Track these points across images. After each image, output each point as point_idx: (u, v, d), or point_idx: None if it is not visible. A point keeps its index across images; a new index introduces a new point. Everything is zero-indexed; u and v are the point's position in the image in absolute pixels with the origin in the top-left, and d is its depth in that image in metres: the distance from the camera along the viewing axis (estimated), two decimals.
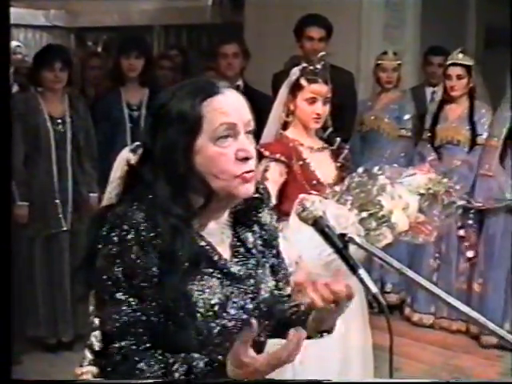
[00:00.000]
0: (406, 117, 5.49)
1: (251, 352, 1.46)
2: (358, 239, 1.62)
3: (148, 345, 1.59)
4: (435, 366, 4.60)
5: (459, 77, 4.97)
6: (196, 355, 1.57)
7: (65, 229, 4.68)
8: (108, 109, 4.95)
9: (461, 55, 5.03)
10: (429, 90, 5.91)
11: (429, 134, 5.16)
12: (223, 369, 1.50)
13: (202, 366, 1.54)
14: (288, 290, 1.88)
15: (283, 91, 3.39)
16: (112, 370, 1.59)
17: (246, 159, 1.64)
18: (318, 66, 3.32)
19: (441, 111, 5.13)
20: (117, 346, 1.57)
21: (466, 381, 4.24)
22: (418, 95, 5.86)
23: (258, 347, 1.74)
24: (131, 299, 1.58)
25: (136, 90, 4.93)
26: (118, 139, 4.71)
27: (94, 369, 1.86)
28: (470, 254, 5.07)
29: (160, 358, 1.57)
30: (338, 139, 3.44)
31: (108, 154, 4.36)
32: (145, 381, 1.57)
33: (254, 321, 1.43)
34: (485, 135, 4.97)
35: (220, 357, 1.56)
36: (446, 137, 5.10)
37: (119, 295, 1.58)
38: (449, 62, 5.03)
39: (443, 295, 1.54)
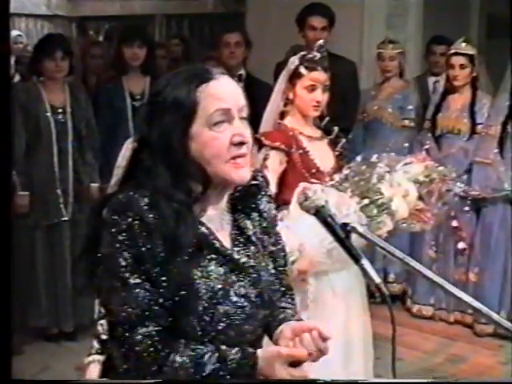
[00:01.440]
0: (410, 107, 5.47)
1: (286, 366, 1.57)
2: (360, 228, 1.61)
3: (168, 330, 1.59)
4: (437, 355, 4.61)
5: (462, 66, 4.96)
6: (227, 348, 1.61)
7: (66, 218, 4.68)
8: (110, 99, 4.93)
9: (464, 44, 5.01)
10: (431, 80, 5.89)
11: (430, 124, 5.15)
12: (255, 364, 1.57)
13: (233, 358, 1.58)
14: (287, 279, 1.88)
15: (282, 80, 3.39)
16: (136, 360, 1.59)
17: (241, 144, 1.64)
18: (317, 54, 3.31)
19: (443, 101, 5.12)
20: (140, 332, 1.57)
21: (466, 381, 4.24)
22: (421, 84, 5.84)
23: (260, 336, 1.75)
24: (144, 283, 1.58)
25: (138, 79, 4.90)
26: (121, 129, 4.70)
27: (101, 357, 1.86)
28: (461, 245, 5.07)
29: (192, 348, 1.59)
30: (336, 128, 3.43)
31: (111, 144, 4.35)
32: (145, 381, 1.57)
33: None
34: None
35: (251, 349, 1.62)
36: (447, 126, 5.09)
37: (132, 280, 1.58)
38: (452, 52, 5.02)
39: (445, 285, 1.54)
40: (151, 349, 1.57)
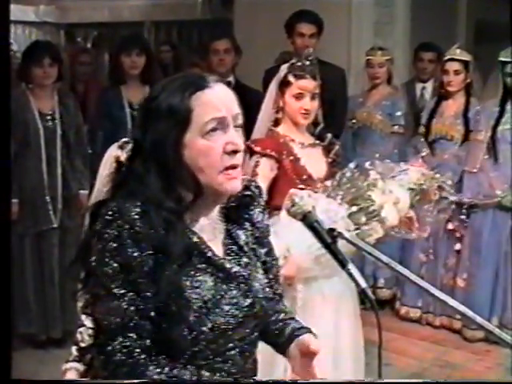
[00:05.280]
0: (398, 113, 5.48)
1: None
2: (346, 234, 1.62)
3: (149, 341, 1.59)
4: (425, 361, 4.62)
5: (456, 72, 5.00)
6: (207, 373, 1.60)
7: (55, 226, 4.67)
8: (109, 108, 4.87)
9: (458, 50, 5.06)
10: (419, 86, 5.93)
11: (423, 130, 5.18)
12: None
13: (212, 380, 1.58)
14: (280, 289, 1.89)
15: (272, 88, 3.40)
16: (114, 369, 1.58)
17: (235, 152, 1.65)
18: (306, 62, 3.33)
19: (438, 107, 5.16)
20: (118, 342, 1.57)
21: (460, 380, 4.26)
22: (409, 91, 5.88)
23: (252, 345, 1.75)
24: (129, 294, 1.58)
25: (137, 88, 4.84)
26: (120, 139, 4.65)
27: (78, 365, 1.86)
28: (457, 246, 5.09)
29: (171, 368, 1.58)
30: (329, 135, 3.45)
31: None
32: (144, 380, 1.57)
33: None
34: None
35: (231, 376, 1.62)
36: (441, 131, 5.12)
37: (116, 290, 1.58)
38: (446, 57, 5.06)
39: (431, 289, 1.55)
40: (130, 360, 1.57)
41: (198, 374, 1.60)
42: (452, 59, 5.01)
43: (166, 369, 1.58)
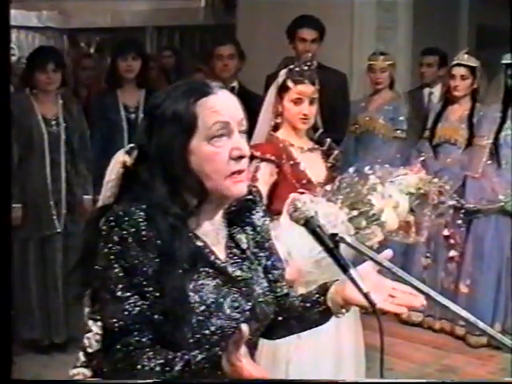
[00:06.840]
0: (401, 118, 5.49)
1: (241, 355, 1.45)
2: (348, 239, 1.63)
3: (149, 342, 1.59)
4: (427, 365, 4.62)
5: (463, 77, 5.01)
6: (195, 352, 1.58)
7: (58, 231, 4.67)
8: (105, 111, 4.91)
9: (466, 56, 5.07)
10: (426, 91, 5.95)
11: (428, 134, 5.19)
12: (220, 363, 1.50)
13: (199, 360, 1.54)
14: (284, 290, 1.90)
15: (271, 93, 3.41)
16: (112, 369, 1.60)
17: (240, 158, 1.66)
18: (304, 67, 3.33)
19: (444, 111, 5.17)
20: (121, 342, 1.58)
21: (460, 381, 4.26)
22: (416, 96, 5.89)
23: (252, 346, 1.76)
24: (133, 297, 1.59)
25: (133, 91, 4.89)
26: (116, 142, 4.69)
27: (85, 371, 1.87)
28: (452, 253, 5.10)
29: (159, 353, 1.58)
30: (329, 140, 3.46)
31: (105, 157, 4.34)
32: (144, 380, 1.58)
33: (244, 327, 1.43)
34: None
35: (218, 352, 1.57)
36: (445, 135, 5.13)
37: (120, 293, 1.59)
38: (454, 63, 5.07)
39: (432, 294, 1.56)
40: (126, 358, 1.58)
41: (186, 354, 1.57)
42: (459, 64, 5.02)
43: (157, 357, 1.57)
